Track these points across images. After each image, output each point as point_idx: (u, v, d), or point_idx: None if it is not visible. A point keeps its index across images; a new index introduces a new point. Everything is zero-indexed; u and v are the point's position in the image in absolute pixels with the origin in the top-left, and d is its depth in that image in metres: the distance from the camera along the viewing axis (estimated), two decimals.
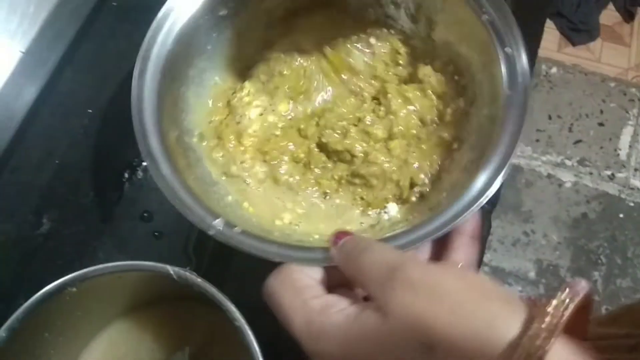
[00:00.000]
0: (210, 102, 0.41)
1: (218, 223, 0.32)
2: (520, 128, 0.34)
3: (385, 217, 0.38)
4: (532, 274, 1.20)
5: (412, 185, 0.39)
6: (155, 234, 0.41)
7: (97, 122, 0.45)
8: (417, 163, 0.39)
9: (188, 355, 0.34)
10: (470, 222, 0.32)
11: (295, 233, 0.37)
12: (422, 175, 0.39)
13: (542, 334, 0.20)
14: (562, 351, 0.20)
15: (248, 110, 0.41)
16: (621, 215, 1.26)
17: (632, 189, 1.27)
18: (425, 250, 0.33)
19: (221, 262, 0.40)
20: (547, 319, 0.20)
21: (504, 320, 0.21)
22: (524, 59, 0.35)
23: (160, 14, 0.37)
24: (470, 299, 0.22)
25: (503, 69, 0.35)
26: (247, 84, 0.42)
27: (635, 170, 1.30)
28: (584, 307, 0.22)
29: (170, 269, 0.27)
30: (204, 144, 0.39)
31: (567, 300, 0.21)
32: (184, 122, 0.38)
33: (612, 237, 1.25)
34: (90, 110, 0.45)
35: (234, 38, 0.42)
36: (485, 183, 0.32)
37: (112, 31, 0.48)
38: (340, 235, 0.29)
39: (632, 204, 1.27)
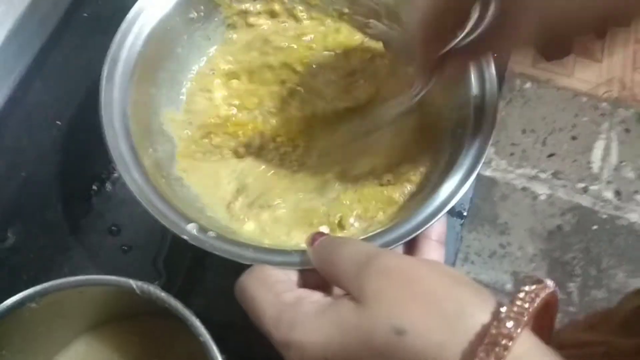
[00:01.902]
0: (182, 105, 0.41)
1: (191, 227, 0.31)
2: (490, 135, 0.34)
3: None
4: (508, 286, 1.21)
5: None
6: (124, 248, 0.40)
7: (65, 134, 0.44)
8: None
9: None
10: (436, 227, 0.33)
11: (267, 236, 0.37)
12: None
13: (510, 322, 0.20)
14: (528, 341, 0.21)
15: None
16: (595, 227, 1.28)
17: (604, 201, 1.30)
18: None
19: (192, 277, 0.39)
20: (516, 308, 0.21)
21: (474, 308, 0.22)
22: (492, 65, 0.36)
23: (129, 15, 0.37)
24: (442, 286, 0.23)
25: (472, 74, 0.36)
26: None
27: (608, 182, 1.33)
28: (549, 306, 0.23)
29: (133, 283, 0.27)
30: (177, 149, 0.39)
31: (535, 291, 0.22)
32: (154, 126, 0.38)
33: (587, 249, 1.27)
34: (58, 122, 0.45)
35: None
36: (453, 189, 0.33)
37: (83, 42, 0.48)
38: (316, 236, 0.29)
39: (605, 216, 1.30)
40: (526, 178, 1.26)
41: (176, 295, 0.29)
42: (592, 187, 1.25)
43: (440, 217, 0.32)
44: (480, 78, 0.36)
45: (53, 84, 0.46)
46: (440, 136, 0.38)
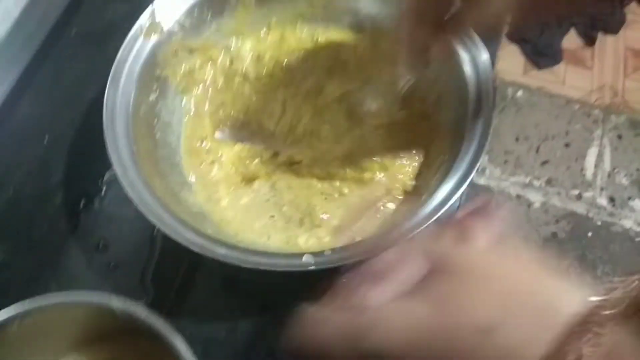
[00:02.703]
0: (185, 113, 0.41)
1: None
2: (486, 139, 0.34)
3: None
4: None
5: None
6: (111, 265, 0.39)
7: (53, 150, 0.44)
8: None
9: None
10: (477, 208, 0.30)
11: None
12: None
13: (602, 310, 0.20)
14: (621, 330, 0.20)
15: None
16: (589, 234, 1.28)
17: (599, 207, 1.30)
18: None
19: (181, 293, 0.39)
20: (608, 296, 0.20)
21: (562, 298, 0.21)
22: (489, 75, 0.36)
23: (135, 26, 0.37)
24: (527, 280, 0.22)
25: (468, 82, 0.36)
26: None
27: (601, 189, 1.33)
28: None
29: (113, 303, 0.26)
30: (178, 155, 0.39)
31: (628, 281, 0.21)
32: (157, 133, 0.38)
33: (582, 256, 1.27)
34: (46, 138, 0.44)
35: None
36: (446, 194, 0.33)
37: (71, 58, 0.48)
38: None
39: (599, 223, 1.29)
40: (520, 186, 1.26)
41: (166, 312, 0.28)
42: (586, 194, 1.25)
43: (432, 221, 0.31)
44: (476, 85, 0.36)
45: (41, 99, 0.46)
46: (436, 139, 0.39)
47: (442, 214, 0.32)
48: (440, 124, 0.39)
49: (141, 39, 0.37)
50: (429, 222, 0.31)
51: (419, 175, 0.39)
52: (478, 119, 0.35)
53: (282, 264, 0.30)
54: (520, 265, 0.23)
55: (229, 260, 0.30)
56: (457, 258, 0.24)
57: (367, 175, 0.39)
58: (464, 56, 0.37)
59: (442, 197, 0.33)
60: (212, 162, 0.41)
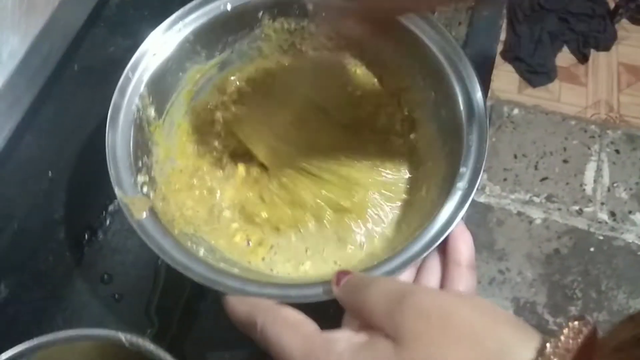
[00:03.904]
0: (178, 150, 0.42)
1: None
2: (483, 158, 0.35)
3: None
4: (510, 313, 1.20)
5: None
6: (116, 296, 0.40)
7: (57, 185, 0.45)
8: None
9: None
10: (464, 252, 0.32)
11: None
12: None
13: (555, 358, 0.20)
14: None
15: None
16: (592, 249, 1.28)
17: (600, 222, 1.30)
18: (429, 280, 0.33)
19: (185, 323, 0.39)
20: (560, 344, 0.21)
21: (517, 346, 0.21)
22: (478, 92, 0.37)
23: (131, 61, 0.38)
24: (484, 325, 0.23)
25: (460, 103, 0.37)
26: None
27: (602, 204, 1.33)
28: (589, 344, 0.22)
29: (122, 336, 0.27)
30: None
31: (579, 329, 0.22)
32: (153, 168, 0.39)
33: (585, 272, 1.27)
34: (50, 174, 0.45)
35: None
36: (449, 216, 0.33)
37: (73, 95, 0.49)
38: (341, 274, 0.29)
39: (601, 237, 1.30)
40: (520, 203, 1.27)
41: (169, 343, 0.29)
42: (587, 209, 1.25)
43: (437, 245, 0.32)
44: (467, 103, 0.37)
45: (44, 135, 0.47)
46: (432, 160, 0.39)
47: (448, 233, 0.32)
48: (432, 156, 0.40)
49: (134, 78, 0.38)
50: (435, 245, 0.32)
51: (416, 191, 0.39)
52: (474, 136, 0.36)
53: (291, 295, 0.30)
54: (481, 312, 0.24)
55: (233, 292, 0.31)
56: (428, 299, 0.24)
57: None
58: (458, 92, 0.37)
59: (445, 218, 0.33)
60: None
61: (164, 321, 0.39)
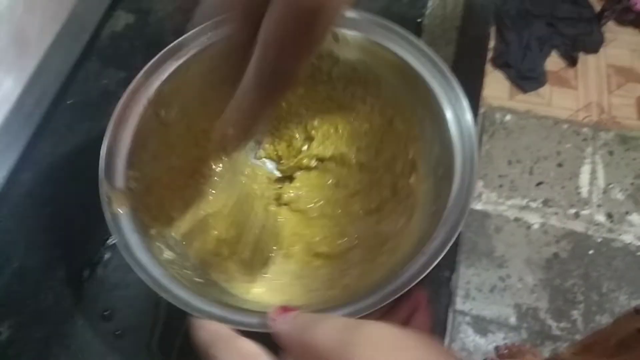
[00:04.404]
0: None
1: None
2: (472, 189, 0.35)
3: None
4: (512, 320, 1.21)
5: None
6: (117, 332, 0.40)
7: (55, 220, 0.45)
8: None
9: None
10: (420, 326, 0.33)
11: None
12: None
13: None
14: None
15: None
16: (591, 252, 1.29)
17: (597, 224, 1.31)
18: None
19: (186, 356, 0.39)
20: None
21: None
22: (468, 116, 0.37)
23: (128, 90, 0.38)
24: (429, 356, 0.23)
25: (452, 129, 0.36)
26: None
27: (598, 206, 1.34)
28: None
29: None
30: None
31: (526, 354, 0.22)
32: (149, 164, 0.38)
33: (586, 274, 1.27)
34: (48, 210, 0.45)
35: None
36: (436, 249, 0.33)
37: (69, 129, 0.49)
38: (284, 309, 0.29)
39: (599, 240, 1.30)
40: (517, 208, 1.27)
41: None
42: (584, 212, 1.26)
43: (425, 274, 0.32)
44: (456, 120, 0.36)
45: (42, 172, 0.47)
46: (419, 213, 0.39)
47: (432, 267, 0.32)
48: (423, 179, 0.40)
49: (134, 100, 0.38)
50: (424, 274, 0.32)
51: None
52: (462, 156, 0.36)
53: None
54: (427, 345, 0.24)
55: (236, 327, 0.31)
56: (379, 329, 0.25)
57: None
58: (449, 116, 0.37)
59: (431, 252, 0.33)
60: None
61: (166, 355, 0.39)
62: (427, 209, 0.37)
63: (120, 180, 0.35)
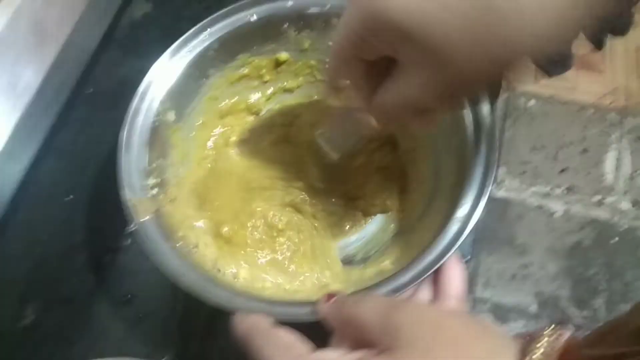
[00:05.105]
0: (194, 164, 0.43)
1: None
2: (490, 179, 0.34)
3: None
4: (533, 308, 1.19)
5: None
6: (139, 316, 0.41)
7: (77, 208, 0.46)
8: None
9: None
10: (455, 285, 0.32)
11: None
12: None
13: None
14: None
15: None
16: (615, 240, 1.26)
17: (622, 212, 1.28)
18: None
19: (206, 342, 0.40)
20: (542, 349, 0.23)
21: (502, 352, 0.23)
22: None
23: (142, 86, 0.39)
24: (470, 334, 0.24)
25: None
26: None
27: (624, 193, 1.31)
28: (569, 349, 0.24)
29: None
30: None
31: (556, 336, 0.23)
32: (168, 170, 0.40)
33: (609, 263, 1.25)
34: (70, 197, 0.46)
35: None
36: (457, 229, 0.33)
37: (89, 118, 0.50)
38: (330, 295, 0.30)
39: (624, 227, 1.27)
40: (540, 195, 1.25)
41: None
42: (608, 199, 1.23)
43: (427, 276, 0.32)
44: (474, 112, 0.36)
45: (63, 161, 0.48)
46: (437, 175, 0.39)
47: (456, 247, 0.32)
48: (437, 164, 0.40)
49: (146, 100, 0.39)
50: (422, 278, 0.32)
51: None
52: (482, 144, 0.35)
53: (303, 313, 0.31)
54: (466, 322, 0.25)
55: (219, 304, 0.31)
56: (420, 308, 0.26)
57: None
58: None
59: (438, 251, 0.33)
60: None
61: (186, 341, 0.40)
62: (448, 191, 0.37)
63: (140, 188, 0.36)
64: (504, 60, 0.24)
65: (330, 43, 0.35)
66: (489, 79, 0.26)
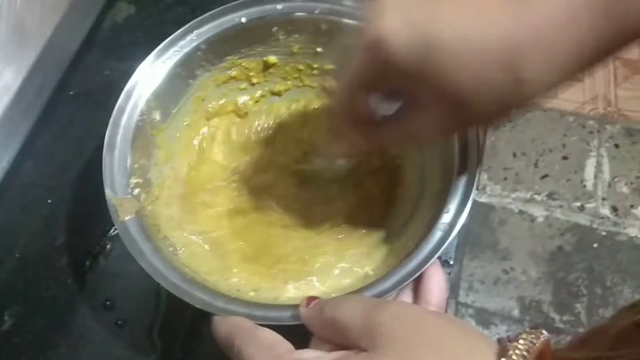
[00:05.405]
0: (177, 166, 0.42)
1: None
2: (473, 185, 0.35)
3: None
4: (516, 312, 1.21)
5: None
6: (118, 322, 0.40)
7: (57, 211, 0.45)
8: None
9: None
10: (436, 293, 0.33)
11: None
12: None
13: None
14: None
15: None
16: (595, 245, 1.28)
17: (602, 218, 1.30)
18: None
19: (189, 347, 0.40)
20: (518, 351, 0.23)
21: (481, 351, 0.23)
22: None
23: (127, 86, 0.38)
24: (450, 332, 0.24)
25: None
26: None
27: (603, 199, 1.33)
28: (544, 353, 0.24)
29: None
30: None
31: (533, 338, 0.24)
32: (151, 170, 0.39)
33: (590, 268, 1.27)
34: (50, 201, 0.46)
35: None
36: (439, 237, 0.33)
37: (71, 120, 0.49)
38: (311, 298, 0.30)
39: (604, 233, 1.30)
40: (522, 201, 1.27)
41: None
42: (589, 205, 1.25)
43: (407, 283, 0.32)
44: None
45: (44, 164, 0.47)
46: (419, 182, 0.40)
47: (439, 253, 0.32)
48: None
49: (132, 100, 0.38)
50: (402, 286, 0.32)
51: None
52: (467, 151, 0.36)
53: (287, 317, 0.31)
54: (447, 321, 0.25)
55: (201, 305, 0.31)
56: (401, 307, 0.26)
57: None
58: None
59: (420, 259, 0.33)
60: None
61: (168, 345, 0.39)
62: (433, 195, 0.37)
63: (122, 187, 0.35)
64: (521, 102, 0.26)
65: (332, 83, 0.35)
66: (505, 113, 0.28)
